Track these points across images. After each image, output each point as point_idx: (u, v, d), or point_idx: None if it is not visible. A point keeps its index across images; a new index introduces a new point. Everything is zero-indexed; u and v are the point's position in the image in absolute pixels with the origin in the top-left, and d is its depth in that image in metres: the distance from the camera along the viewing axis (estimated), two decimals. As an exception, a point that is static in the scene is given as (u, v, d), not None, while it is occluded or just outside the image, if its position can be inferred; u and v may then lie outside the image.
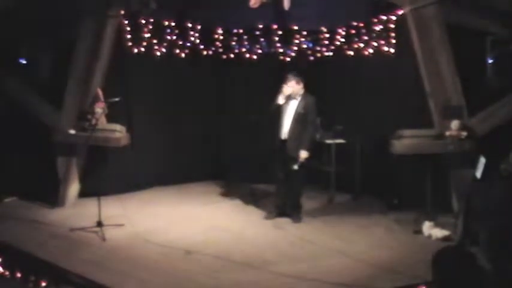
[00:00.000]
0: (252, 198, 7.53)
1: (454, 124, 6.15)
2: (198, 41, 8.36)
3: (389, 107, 7.26)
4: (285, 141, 6.50)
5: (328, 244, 5.84)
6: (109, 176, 7.29)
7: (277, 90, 6.48)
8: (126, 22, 7.50)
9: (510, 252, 5.00)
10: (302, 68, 7.34)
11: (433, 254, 2.62)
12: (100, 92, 6.87)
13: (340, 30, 7.92)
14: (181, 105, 8.37)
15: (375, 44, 7.41)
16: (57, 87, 7.09)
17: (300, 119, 6.44)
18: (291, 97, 6.47)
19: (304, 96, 6.50)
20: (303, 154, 6.38)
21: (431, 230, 6.01)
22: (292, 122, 6.45)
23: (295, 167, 6.38)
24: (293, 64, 8.02)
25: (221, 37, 8.44)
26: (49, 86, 7.46)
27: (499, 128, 6.20)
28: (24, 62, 7.72)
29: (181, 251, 5.58)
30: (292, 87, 6.43)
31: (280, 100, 6.45)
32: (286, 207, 6.78)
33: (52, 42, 7.40)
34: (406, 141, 6.34)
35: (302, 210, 6.76)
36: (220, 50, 8.50)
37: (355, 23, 7.72)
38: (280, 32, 8.25)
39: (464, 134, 6.14)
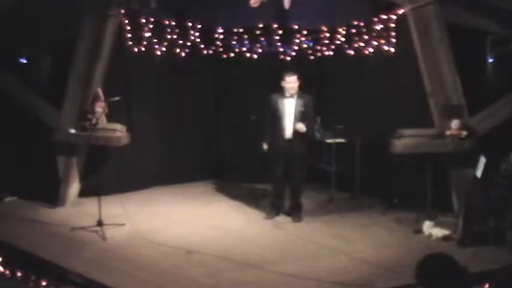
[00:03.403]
0: (252, 198, 7.53)
1: (454, 123, 6.15)
2: (198, 40, 8.36)
3: (389, 107, 7.26)
4: (289, 140, 6.49)
5: (328, 243, 5.84)
6: (109, 175, 7.29)
7: (276, 89, 6.49)
8: (126, 21, 7.50)
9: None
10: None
11: (416, 264, 2.67)
12: (100, 92, 6.87)
13: (340, 30, 7.92)
14: (181, 104, 8.37)
15: (375, 43, 7.41)
16: (57, 87, 7.09)
17: (301, 117, 6.44)
18: (291, 95, 6.46)
19: (300, 94, 6.50)
20: (300, 126, 6.35)
21: (432, 230, 6.01)
22: (295, 120, 6.45)
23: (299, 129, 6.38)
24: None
25: (221, 36, 8.44)
26: (49, 86, 7.46)
27: (499, 127, 6.19)
28: (24, 62, 7.72)
29: (182, 250, 5.58)
30: (295, 82, 6.43)
31: (286, 99, 6.44)
32: (283, 206, 6.81)
33: (52, 42, 7.40)
34: (406, 140, 6.34)
35: (302, 209, 6.77)
36: (221, 49, 8.49)
37: (355, 22, 7.71)
38: (280, 32, 8.26)
39: (464, 133, 6.14)
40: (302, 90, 6.53)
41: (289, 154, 6.49)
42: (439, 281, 2.58)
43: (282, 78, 6.46)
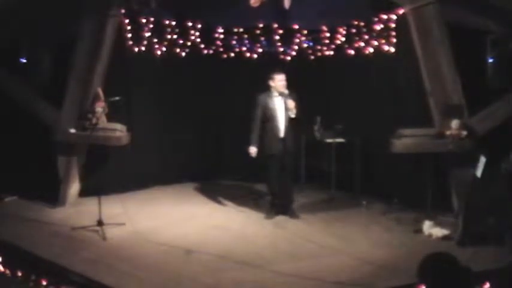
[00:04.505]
0: (251, 198, 7.53)
1: (455, 123, 6.15)
2: (198, 40, 8.35)
3: (389, 107, 7.26)
4: (283, 139, 6.52)
5: (328, 243, 5.85)
6: (109, 175, 7.30)
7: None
8: (127, 21, 7.50)
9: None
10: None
11: (419, 263, 2.68)
12: (100, 92, 6.87)
13: (340, 30, 7.92)
14: (181, 104, 8.36)
15: (376, 43, 7.41)
16: (57, 87, 7.09)
17: (294, 112, 6.46)
18: (279, 93, 6.48)
19: (287, 91, 6.50)
20: (290, 102, 6.39)
21: (432, 229, 6.02)
22: (286, 119, 6.48)
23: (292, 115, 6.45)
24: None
25: (221, 36, 8.43)
26: (49, 86, 7.46)
27: (499, 127, 6.19)
28: (24, 62, 7.71)
29: (182, 250, 5.59)
30: (284, 80, 6.47)
31: (276, 98, 6.48)
32: (281, 204, 6.82)
33: (52, 42, 7.40)
34: (406, 140, 6.34)
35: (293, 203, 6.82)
36: (221, 49, 8.49)
37: (355, 22, 7.71)
38: (280, 31, 8.26)
39: (464, 133, 6.15)
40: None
41: (283, 152, 6.52)
42: (441, 280, 2.59)
43: (270, 78, 6.49)
